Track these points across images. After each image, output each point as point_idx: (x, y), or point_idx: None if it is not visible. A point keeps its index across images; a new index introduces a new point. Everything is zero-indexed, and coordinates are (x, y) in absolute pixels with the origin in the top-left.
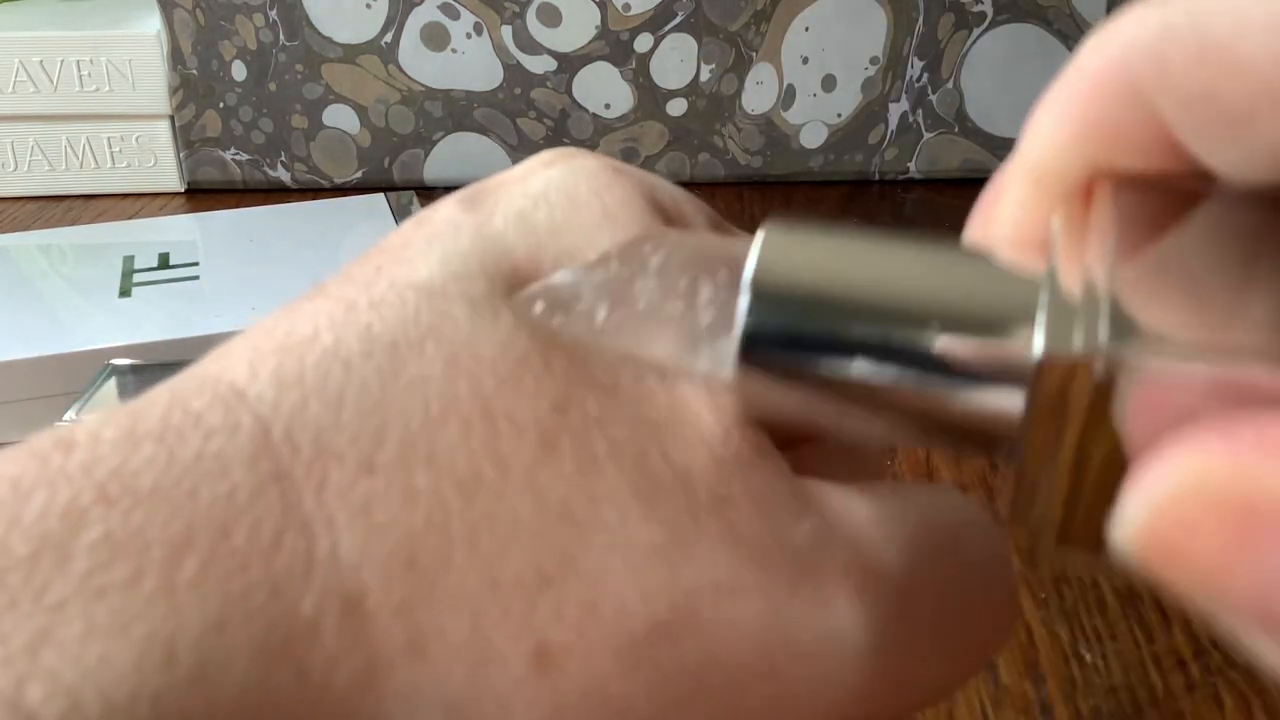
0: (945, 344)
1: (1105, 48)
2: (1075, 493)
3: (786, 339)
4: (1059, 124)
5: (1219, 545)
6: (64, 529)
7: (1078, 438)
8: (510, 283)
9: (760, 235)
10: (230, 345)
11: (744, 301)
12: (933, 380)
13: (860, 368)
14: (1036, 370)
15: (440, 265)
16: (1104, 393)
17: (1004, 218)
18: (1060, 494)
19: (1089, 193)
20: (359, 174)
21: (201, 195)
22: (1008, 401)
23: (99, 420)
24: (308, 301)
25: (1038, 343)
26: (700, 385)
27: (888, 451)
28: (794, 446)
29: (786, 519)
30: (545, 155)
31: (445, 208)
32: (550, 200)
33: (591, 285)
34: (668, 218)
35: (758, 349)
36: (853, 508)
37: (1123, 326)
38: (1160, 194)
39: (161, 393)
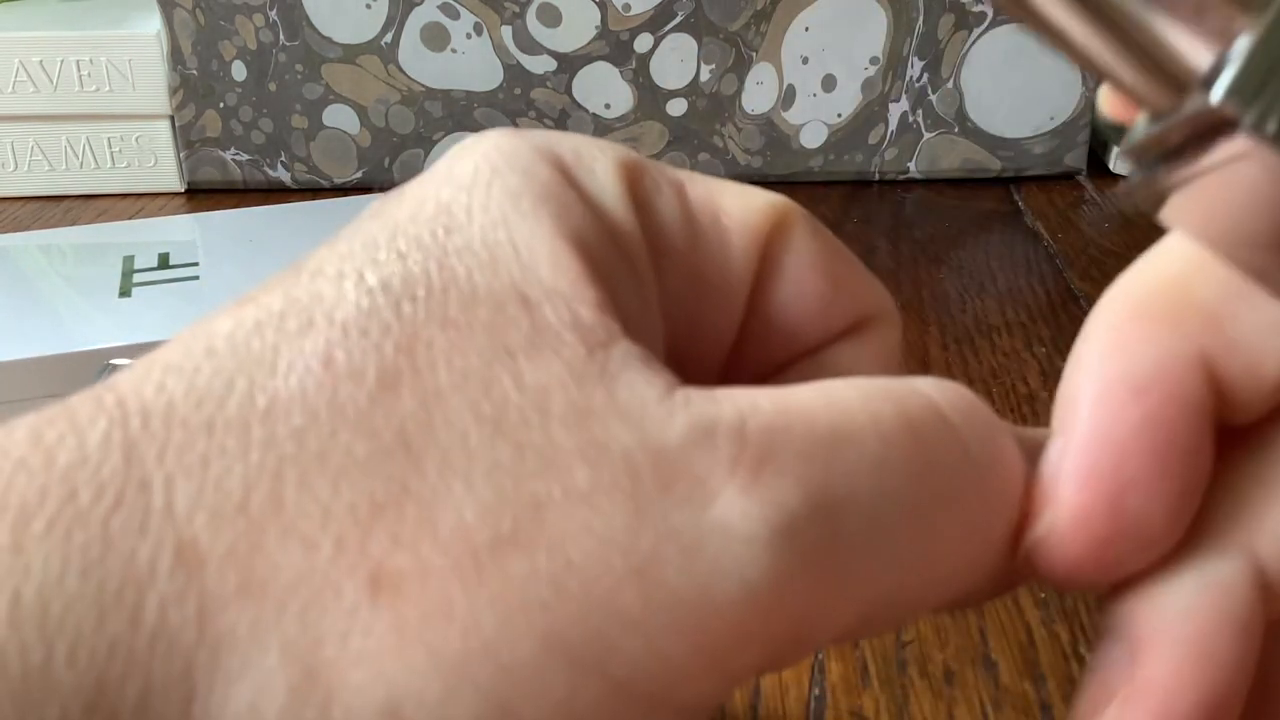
0: None
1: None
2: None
3: None
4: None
5: None
6: None
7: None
8: (388, 249)
9: None
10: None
11: None
12: None
13: None
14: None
15: (327, 249)
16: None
17: None
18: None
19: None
20: (359, 174)
21: (201, 195)
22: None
23: (7, 424)
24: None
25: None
26: (564, 309)
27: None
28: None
29: (655, 423)
30: (463, 142)
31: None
32: (439, 171)
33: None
34: (561, 164)
35: None
36: (744, 401)
37: None
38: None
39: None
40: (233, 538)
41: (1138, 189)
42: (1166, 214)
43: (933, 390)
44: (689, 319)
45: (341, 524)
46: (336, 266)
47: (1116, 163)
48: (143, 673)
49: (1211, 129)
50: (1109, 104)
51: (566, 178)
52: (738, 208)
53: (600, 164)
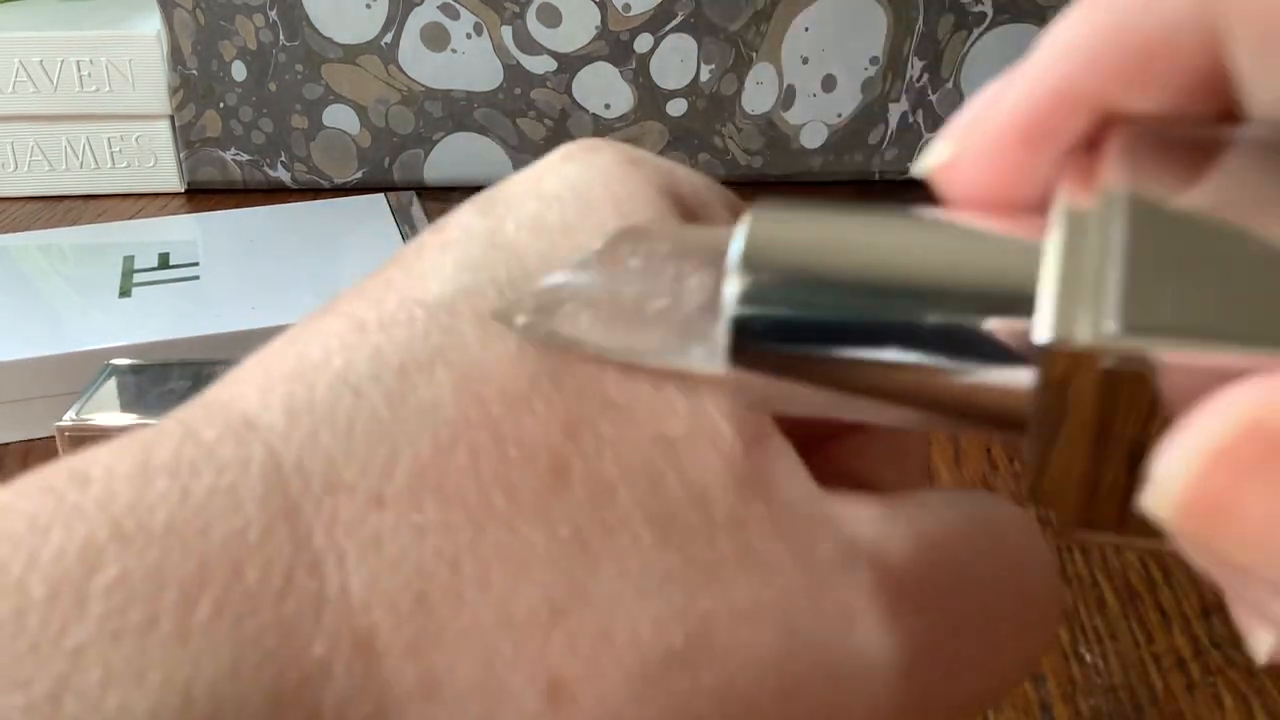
0: (949, 323)
1: None
2: (1095, 471)
3: (779, 325)
4: (1097, 32)
5: (1275, 491)
6: (81, 570)
7: (1095, 415)
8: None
9: (746, 218)
10: (242, 370)
11: (731, 288)
12: (936, 360)
13: (859, 351)
14: (1044, 358)
15: (451, 279)
16: (1121, 377)
17: (992, 167)
18: (1078, 472)
19: (1094, 143)
20: (359, 174)
21: (201, 195)
22: (1017, 380)
23: (112, 452)
24: (319, 320)
25: (1042, 327)
26: (721, 395)
27: (924, 443)
28: (822, 447)
29: (808, 538)
30: (563, 150)
31: (461, 214)
32: (563, 199)
33: (573, 288)
34: (685, 206)
35: (750, 337)
36: (879, 522)
37: (1139, 308)
38: (1174, 144)
39: (173, 424)
40: (413, 633)
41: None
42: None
43: (1005, 506)
44: None
45: (520, 625)
46: (473, 307)
47: None
48: None
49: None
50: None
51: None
52: None
53: (719, 211)
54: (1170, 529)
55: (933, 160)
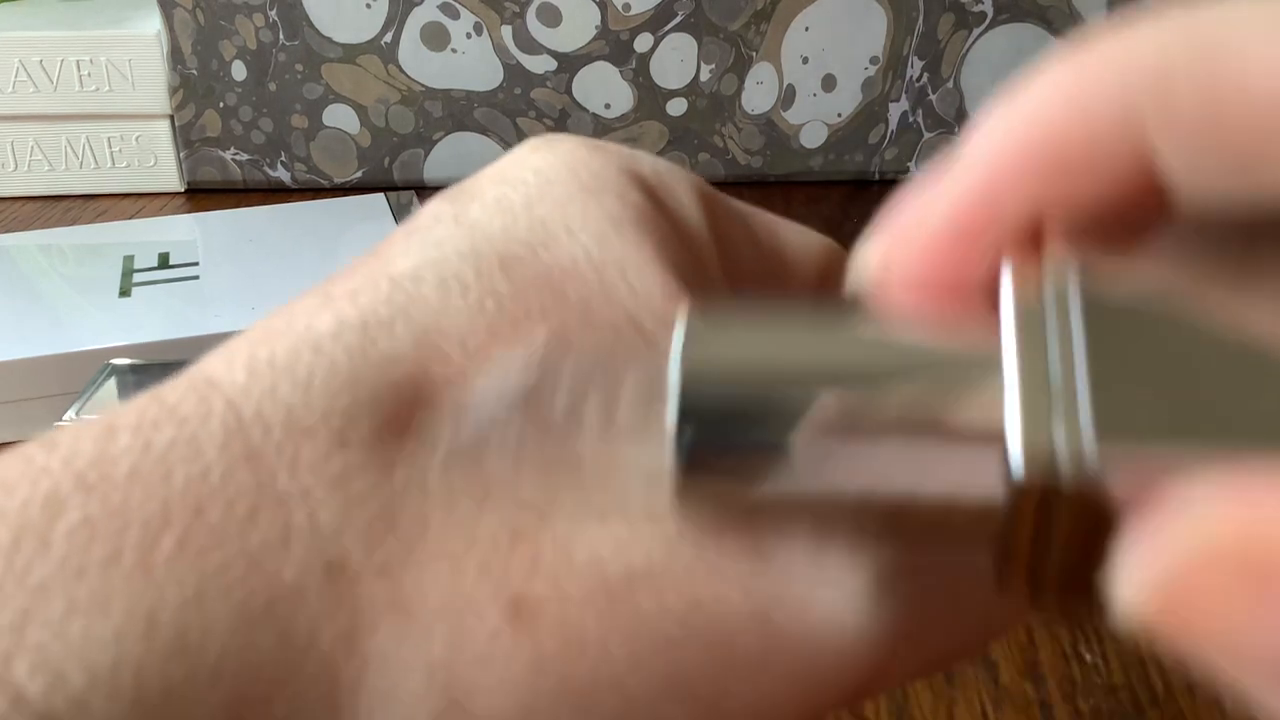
0: (909, 439)
1: (1091, 67)
2: (1063, 573)
3: (727, 464)
4: (1022, 138)
5: (1240, 606)
6: (44, 516)
7: (1064, 528)
8: (489, 261)
9: (678, 347)
10: (217, 348)
11: (672, 437)
12: (899, 474)
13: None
14: (1015, 488)
15: (417, 254)
16: (1089, 493)
17: (925, 257)
18: (1048, 576)
19: (1033, 237)
20: (359, 174)
21: (201, 195)
22: (980, 491)
23: (84, 421)
24: (294, 301)
25: (1014, 456)
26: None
27: None
28: None
29: None
30: (529, 142)
31: (431, 203)
32: (526, 181)
33: (498, 412)
34: (648, 187)
35: (695, 476)
36: None
37: (1107, 419)
38: (1111, 236)
39: (144, 394)
40: (384, 557)
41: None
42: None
43: None
44: None
45: (485, 549)
46: (437, 274)
47: None
48: (290, 691)
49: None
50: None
51: (656, 202)
52: (798, 245)
53: (682, 191)
54: (1137, 629)
55: (867, 271)
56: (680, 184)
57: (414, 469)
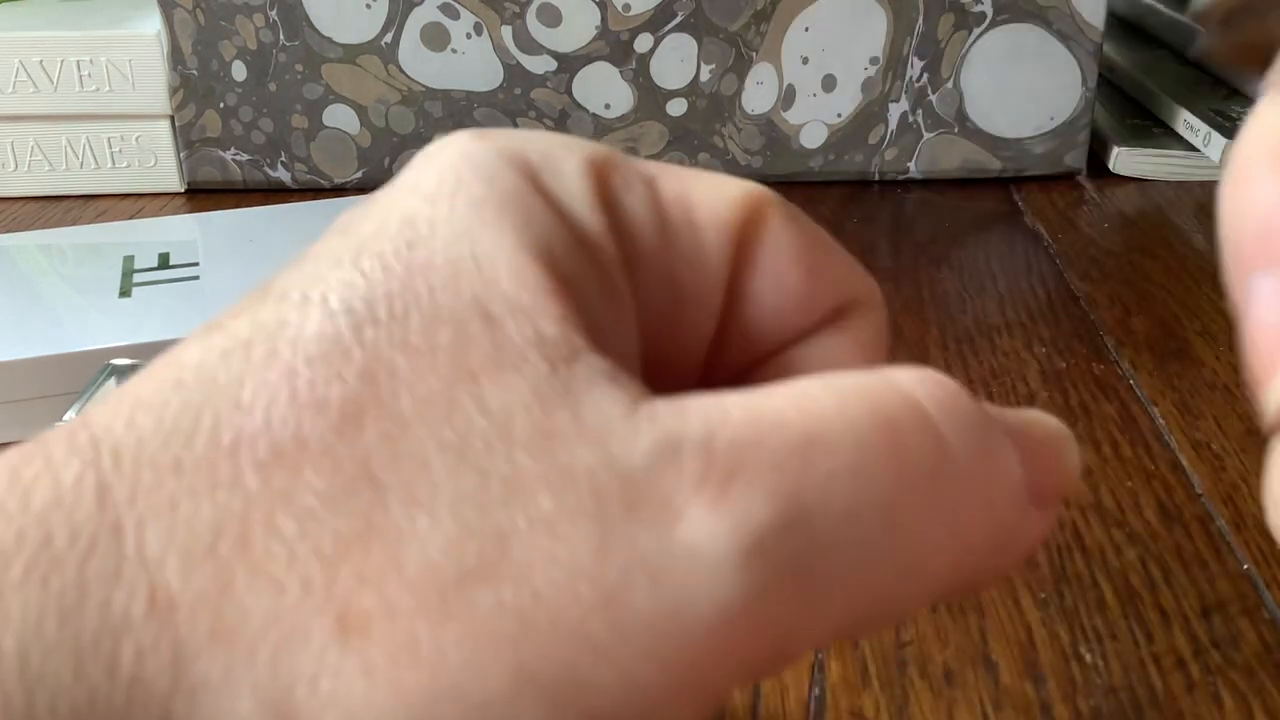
0: None
1: None
2: None
3: None
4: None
5: None
6: None
7: None
8: (350, 269)
9: None
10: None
11: None
12: None
13: None
14: None
15: (296, 269)
16: None
17: None
18: None
19: None
20: (359, 174)
21: (201, 195)
22: None
23: None
24: (192, 331)
25: None
26: (526, 325)
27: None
28: (749, 373)
29: (622, 440)
30: (434, 142)
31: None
32: (407, 181)
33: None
34: (528, 168)
35: None
36: (712, 411)
37: None
38: None
39: (37, 437)
40: (202, 582)
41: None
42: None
43: (913, 384)
44: (664, 319)
45: (308, 564)
46: (301, 289)
47: (1117, 162)
48: None
49: None
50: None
51: (533, 183)
52: (710, 200)
53: (568, 165)
54: None
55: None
56: (569, 159)
57: (236, 489)
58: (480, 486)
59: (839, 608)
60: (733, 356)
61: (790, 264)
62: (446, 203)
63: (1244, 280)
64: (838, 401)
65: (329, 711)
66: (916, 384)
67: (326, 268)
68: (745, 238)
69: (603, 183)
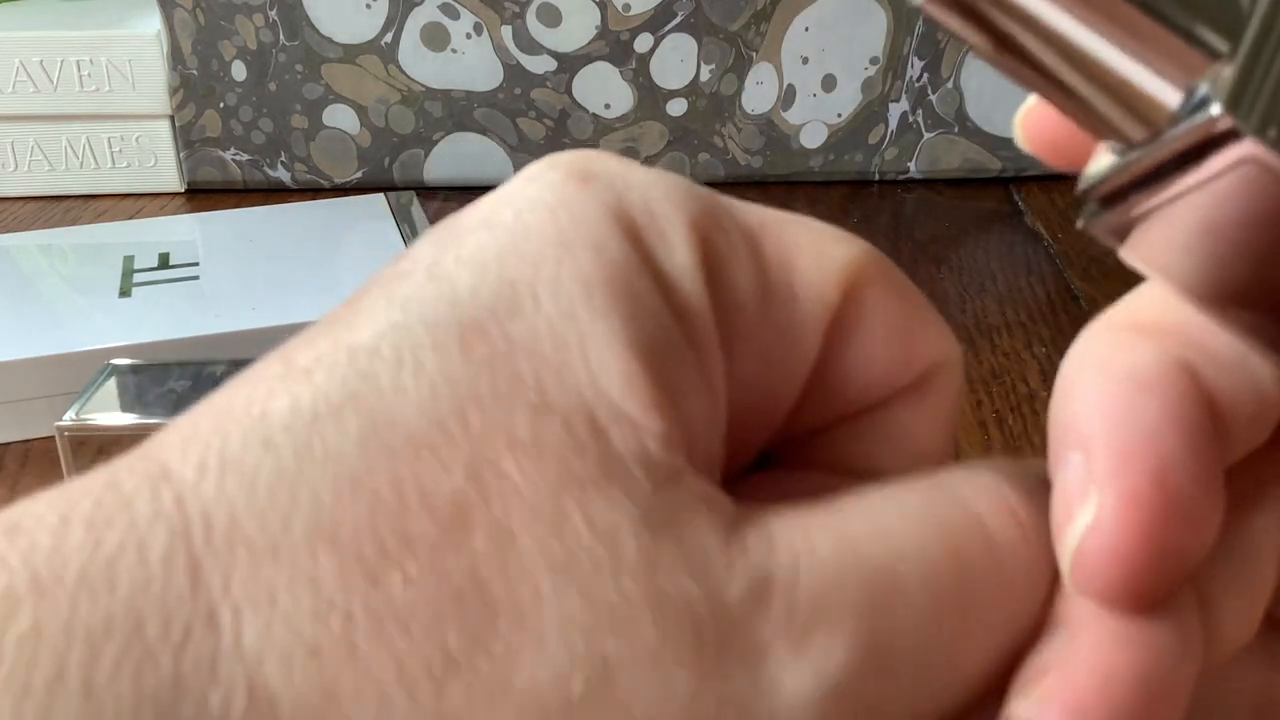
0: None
1: None
2: (1134, 190)
3: None
4: None
5: None
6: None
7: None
8: (448, 333)
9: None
10: (178, 420)
11: None
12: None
13: None
14: (1202, 106)
15: (382, 317)
16: (1244, 159)
17: None
18: (1124, 191)
19: None
20: (359, 174)
21: (201, 195)
22: (1164, 98)
23: (45, 501)
24: (264, 365)
25: (1225, 82)
26: (633, 439)
27: (938, 422)
28: (813, 439)
29: (719, 575)
30: (528, 170)
31: (421, 243)
32: (505, 224)
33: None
34: (634, 232)
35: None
36: (809, 545)
37: None
38: None
39: (102, 472)
40: (305, 685)
41: (1101, 222)
42: (1130, 248)
43: (976, 501)
44: (752, 392)
45: (415, 677)
46: (394, 348)
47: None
48: None
49: (1194, 151)
50: (1030, 135)
51: (640, 254)
52: (812, 270)
53: (673, 227)
54: None
55: None
56: (673, 220)
57: (339, 587)
58: (587, 611)
59: (901, 711)
60: (811, 417)
61: (883, 339)
62: (552, 270)
63: (1059, 455)
64: (915, 532)
65: None
66: (980, 498)
67: (419, 323)
68: (844, 314)
69: (708, 247)
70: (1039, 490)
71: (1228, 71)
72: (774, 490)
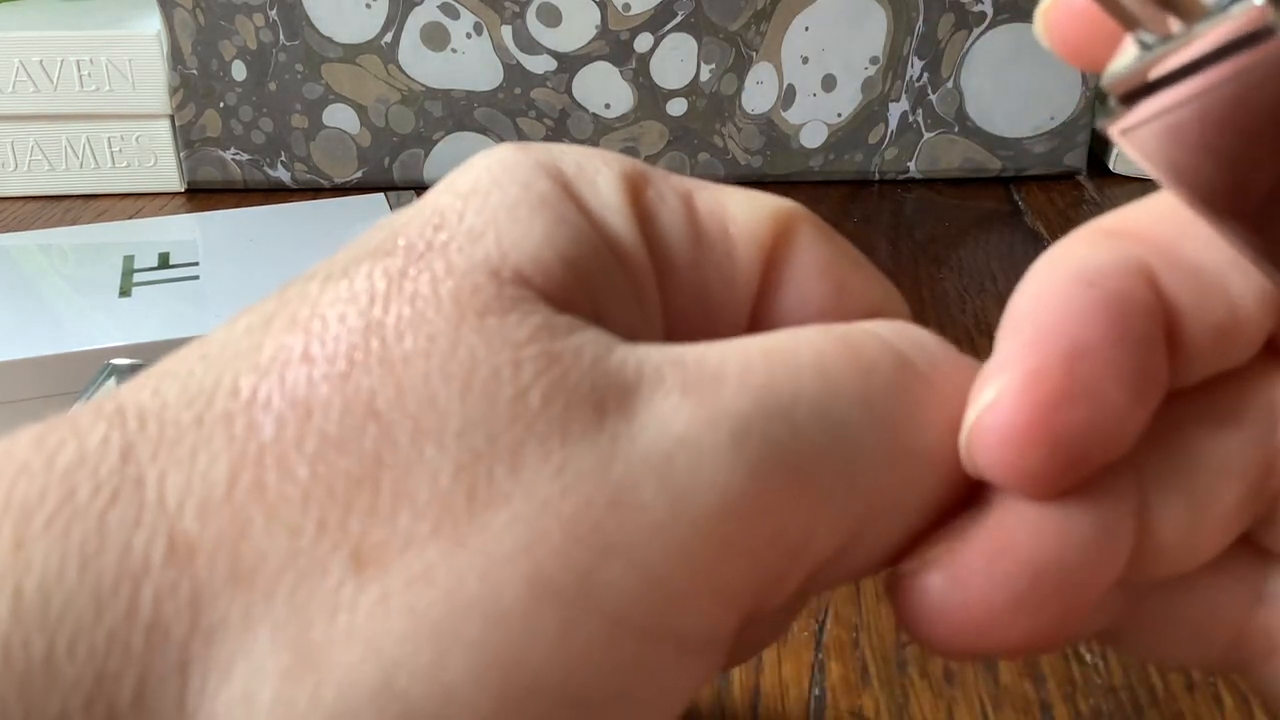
0: None
1: None
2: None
3: None
4: None
5: None
6: None
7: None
8: (382, 245)
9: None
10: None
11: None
12: None
13: None
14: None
15: (328, 260)
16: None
17: None
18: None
19: None
20: (359, 174)
21: (201, 195)
22: None
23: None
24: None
25: None
26: (535, 291)
27: None
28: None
29: (616, 364)
30: (478, 153)
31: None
32: (447, 183)
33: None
34: (562, 178)
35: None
36: (695, 346)
37: None
38: None
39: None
40: (220, 527)
41: (1121, 120)
42: (1146, 150)
43: (893, 335)
44: (692, 332)
45: (321, 504)
46: (326, 269)
47: (1117, 162)
48: (139, 665)
49: (1230, 45)
50: (1051, 28)
51: (567, 191)
52: (743, 216)
53: (603, 176)
54: None
55: None
56: (603, 170)
57: (251, 438)
58: (488, 411)
59: (836, 504)
60: None
61: (818, 280)
62: (480, 199)
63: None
64: (799, 335)
65: (348, 645)
66: (887, 327)
67: (355, 251)
68: (776, 254)
69: (637, 195)
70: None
71: None
72: None
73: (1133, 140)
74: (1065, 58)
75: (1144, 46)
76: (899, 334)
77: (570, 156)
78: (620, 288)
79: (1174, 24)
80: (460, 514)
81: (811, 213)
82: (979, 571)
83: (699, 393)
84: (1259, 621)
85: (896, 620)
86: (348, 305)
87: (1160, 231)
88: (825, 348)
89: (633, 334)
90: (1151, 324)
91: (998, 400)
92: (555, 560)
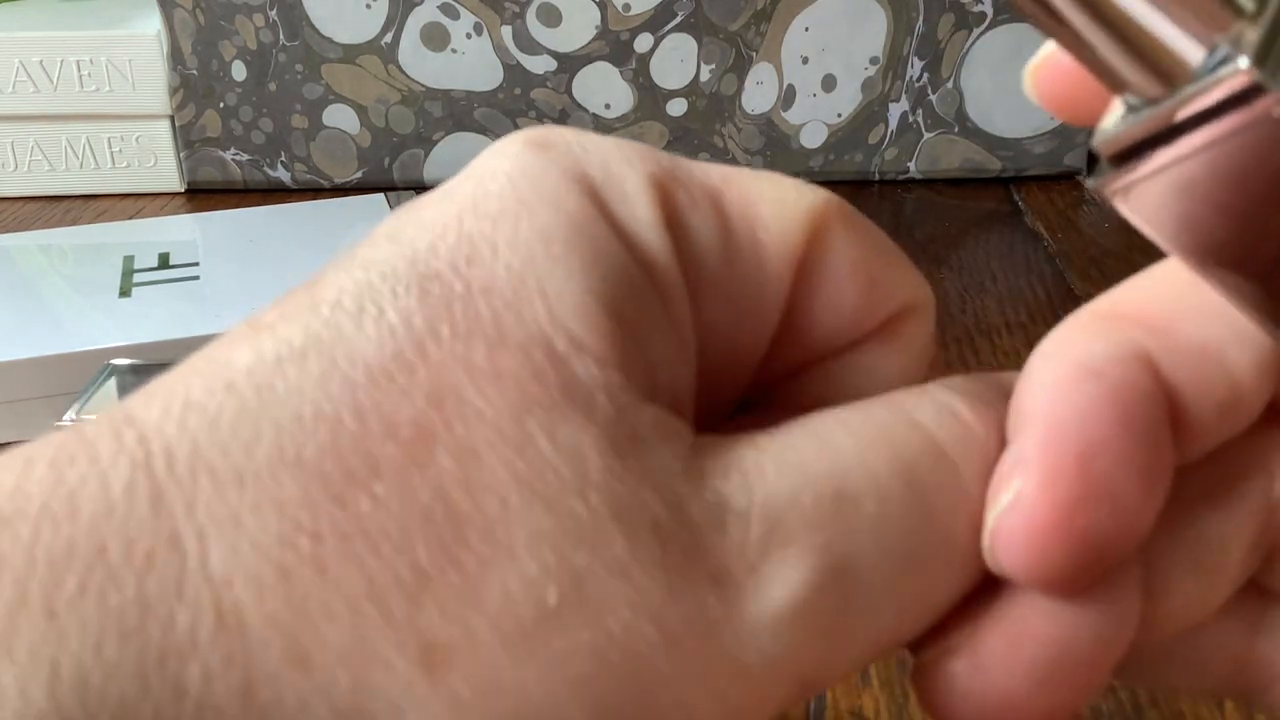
0: None
1: None
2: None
3: None
4: None
5: None
6: None
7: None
8: (406, 281)
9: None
10: (144, 387)
11: None
12: None
13: None
14: (1229, 67)
15: (345, 276)
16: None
17: None
18: (1141, 146)
19: None
20: (359, 174)
21: (201, 195)
22: (1188, 55)
23: (12, 450)
24: (228, 331)
25: (1253, 40)
26: (593, 367)
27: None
28: (782, 385)
29: (682, 495)
30: (492, 146)
31: (393, 213)
32: (466, 192)
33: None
34: (591, 190)
35: None
36: (759, 468)
37: None
38: None
39: (69, 426)
40: (276, 605)
41: (1112, 180)
42: (1138, 210)
43: (929, 420)
44: (722, 336)
45: (387, 593)
46: (355, 299)
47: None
48: None
49: (1216, 107)
50: (1040, 86)
51: (598, 207)
52: (775, 218)
53: (632, 184)
54: None
55: None
56: (631, 177)
57: (305, 509)
58: (556, 526)
59: (860, 647)
60: (784, 362)
61: (849, 281)
62: (510, 226)
63: (1009, 440)
64: (858, 451)
65: None
66: (933, 418)
67: (379, 278)
68: (807, 259)
69: (668, 202)
70: (998, 399)
71: (1252, 31)
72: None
73: (1125, 199)
74: (1055, 114)
75: (1131, 109)
76: (936, 416)
77: (595, 158)
78: (655, 315)
79: (1159, 86)
80: (529, 628)
81: (842, 202)
82: (999, 658)
83: (760, 560)
84: (1259, 653)
85: (920, 706)
86: (395, 361)
87: (1154, 312)
88: (887, 484)
89: (665, 361)
90: (1157, 411)
91: (1017, 504)
92: (614, 690)
